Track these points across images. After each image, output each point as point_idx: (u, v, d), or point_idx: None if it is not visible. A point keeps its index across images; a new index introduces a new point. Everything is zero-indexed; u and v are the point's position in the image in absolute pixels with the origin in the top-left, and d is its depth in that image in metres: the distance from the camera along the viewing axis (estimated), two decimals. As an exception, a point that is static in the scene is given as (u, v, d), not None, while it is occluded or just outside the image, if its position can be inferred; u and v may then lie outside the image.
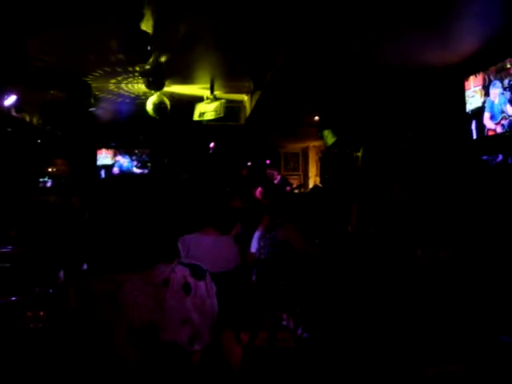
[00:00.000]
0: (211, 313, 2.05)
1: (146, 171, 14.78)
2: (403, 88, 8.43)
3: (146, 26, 5.94)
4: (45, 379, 1.87)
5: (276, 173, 11.37)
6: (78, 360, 1.77)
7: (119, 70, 7.98)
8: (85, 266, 6.09)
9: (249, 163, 15.29)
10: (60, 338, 1.85)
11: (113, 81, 8.72)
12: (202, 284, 2.09)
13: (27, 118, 10.45)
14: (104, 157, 14.71)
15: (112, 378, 1.75)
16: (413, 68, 7.46)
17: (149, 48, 6.24)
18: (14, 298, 4.42)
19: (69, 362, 1.78)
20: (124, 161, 14.80)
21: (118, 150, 14.79)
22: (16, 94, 8.75)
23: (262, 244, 6.03)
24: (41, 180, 14.49)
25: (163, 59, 7.39)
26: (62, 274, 5.00)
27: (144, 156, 14.85)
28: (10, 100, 8.75)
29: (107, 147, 14.72)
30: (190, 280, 2.05)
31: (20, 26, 5.94)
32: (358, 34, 6.09)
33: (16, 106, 9.06)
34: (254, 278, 6.20)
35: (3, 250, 7.16)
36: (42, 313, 3.99)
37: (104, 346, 1.78)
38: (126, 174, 13.81)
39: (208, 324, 2.01)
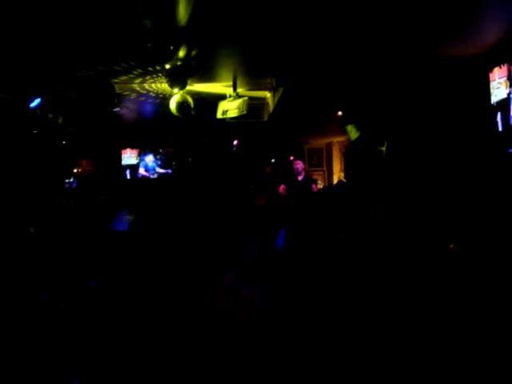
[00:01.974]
0: (256, 317, 2.07)
1: (169, 171, 14.85)
2: (427, 80, 8.35)
3: (169, 25, 5.95)
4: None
5: (301, 165, 11.29)
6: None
7: (142, 70, 8.03)
8: (115, 265, 6.17)
9: (272, 160, 15.27)
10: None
11: (136, 81, 8.77)
12: (247, 289, 2.11)
13: (52, 120, 10.55)
14: (128, 157, 14.79)
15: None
16: (437, 60, 7.38)
17: (171, 48, 6.27)
18: (44, 298, 4.49)
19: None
20: (148, 160, 14.87)
21: (143, 149, 14.85)
22: (41, 97, 8.84)
23: (287, 241, 6.03)
24: (66, 181, 14.64)
25: (186, 58, 7.40)
26: (92, 273, 5.06)
27: (168, 155, 14.90)
28: (35, 102, 8.85)
29: (131, 147, 14.79)
30: (237, 285, 2.07)
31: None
32: (383, 27, 6.05)
33: (41, 108, 9.15)
34: (279, 276, 6.20)
35: (33, 250, 7.27)
36: (76, 311, 4.04)
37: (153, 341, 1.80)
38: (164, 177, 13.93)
39: (252, 328, 2.04)
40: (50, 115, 10.06)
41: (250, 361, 3.29)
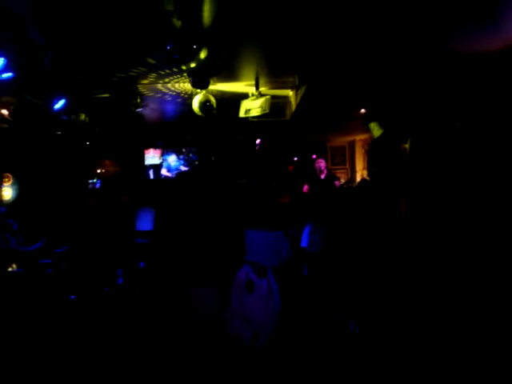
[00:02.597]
0: (274, 310, 2.07)
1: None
2: (451, 76, 8.28)
3: (194, 25, 5.98)
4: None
5: (324, 164, 11.27)
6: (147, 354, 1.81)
7: (167, 71, 8.09)
8: (142, 264, 6.24)
9: (295, 158, 15.26)
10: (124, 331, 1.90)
11: (159, 81, 8.82)
12: (264, 282, 2.12)
13: (75, 121, 10.63)
14: (152, 156, 14.86)
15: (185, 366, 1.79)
16: (462, 55, 7.32)
17: (194, 46, 6.28)
18: (72, 297, 4.52)
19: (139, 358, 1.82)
20: (171, 160, 14.92)
21: (166, 149, 14.91)
22: (65, 98, 8.92)
23: (312, 239, 6.01)
24: (90, 181, 14.74)
25: (208, 58, 7.42)
26: (120, 271, 5.09)
27: (191, 155, 14.95)
28: (59, 104, 8.93)
29: (154, 147, 14.86)
30: (253, 278, 2.08)
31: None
32: (406, 23, 6.02)
33: (65, 109, 9.23)
34: (305, 273, 6.19)
35: (59, 251, 7.34)
36: (100, 310, 4.07)
37: (171, 335, 1.82)
38: (182, 175, 13.99)
39: (271, 323, 2.04)
40: (75, 116, 10.13)
41: (266, 353, 3.31)
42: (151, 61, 7.71)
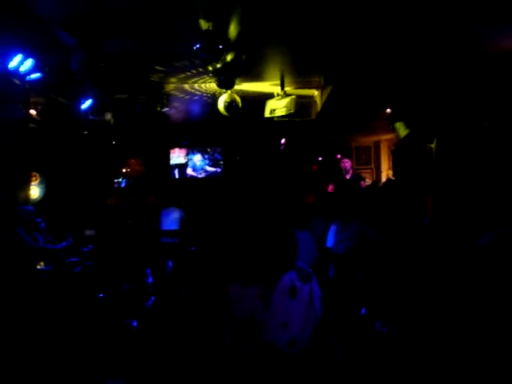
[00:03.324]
0: (314, 317, 2.07)
1: (218, 169, 14.91)
2: (478, 76, 8.20)
3: (220, 26, 6.01)
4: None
5: (349, 164, 11.23)
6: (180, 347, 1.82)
7: (193, 71, 8.13)
8: (170, 264, 6.28)
9: (320, 158, 15.22)
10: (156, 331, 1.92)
11: (187, 81, 8.87)
12: (306, 288, 2.12)
13: (102, 121, 10.72)
14: (177, 156, 14.91)
15: (216, 367, 1.80)
16: (489, 55, 7.25)
17: (220, 47, 6.31)
18: (101, 295, 4.55)
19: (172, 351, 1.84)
20: (196, 160, 14.96)
21: (191, 148, 14.96)
22: (92, 98, 9.01)
23: (338, 238, 5.99)
24: (115, 181, 14.84)
25: (234, 58, 7.45)
26: (149, 270, 5.11)
27: (216, 154, 14.97)
28: (86, 104, 9.02)
29: (180, 146, 14.91)
30: (297, 283, 2.09)
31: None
32: (435, 23, 5.98)
33: (92, 109, 9.31)
34: (331, 273, 6.17)
35: (86, 249, 7.41)
36: (131, 309, 4.10)
37: (209, 335, 1.84)
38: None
39: (309, 329, 2.04)
40: (101, 116, 10.22)
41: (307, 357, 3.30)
42: (175, 63, 7.75)
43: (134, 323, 4.17)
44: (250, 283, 3.90)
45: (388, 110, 11.15)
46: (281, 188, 13.03)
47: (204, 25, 5.94)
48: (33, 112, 8.82)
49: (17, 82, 7.05)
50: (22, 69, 6.73)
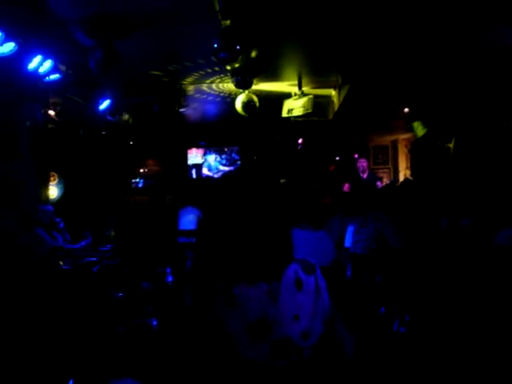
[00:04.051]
0: (322, 308, 2.07)
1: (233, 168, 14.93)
2: (497, 75, 8.13)
3: (237, 26, 6.01)
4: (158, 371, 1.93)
5: (366, 163, 11.18)
6: (193, 354, 1.82)
7: (209, 70, 8.14)
8: (188, 263, 6.29)
9: (337, 158, 15.17)
10: (175, 331, 1.92)
11: (203, 81, 8.88)
12: (312, 279, 2.12)
13: (120, 121, 10.77)
14: (194, 156, 14.94)
15: (229, 372, 1.80)
16: (509, 53, 7.19)
17: (238, 47, 6.30)
18: (120, 295, 4.57)
19: (184, 356, 1.84)
20: (213, 159, 14.99)
21: (208, 148, 14.98)
22: (110, 99, 9.06)
23: (356, 239, 5.98)
24: (133, 181, 14.91)
25: (252, 58, 7.45)
26: (169, 270, 5.12)
27: (233, 154, 14.98)
28: (104, 104, 9.08)
29: (197, 146, 14.94)
30: (301, 275, 2.08)
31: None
32: (454, 21, 5.94)
33: (110, 110, 9.36)
34: (348, 273, 6.15)
35: (104, 249, 7.45)
36: (150, 308, 4.10)
37: (220, 340, 1.83)
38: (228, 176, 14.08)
39: (319, 320, 2.03)
40: (119, 116, 10.27)
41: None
42: (192, 63, 7.77)
43: (154, 322, 4.19)
44: (254, 281, 3.90)
45: (406, 110, 11.10)
46: (296, 188, 13.02)
47: (223, 22, 5.94)
48: (51, 112, 8.87)
49: (36, 83, 7.11)
50: (41, 70, 6.79)
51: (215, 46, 6.26)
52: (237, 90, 8.84)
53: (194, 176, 14.94)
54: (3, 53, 5.93)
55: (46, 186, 9.82)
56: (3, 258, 2.80)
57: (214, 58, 6.73)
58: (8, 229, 2.99)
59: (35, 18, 5.68)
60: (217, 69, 8.13)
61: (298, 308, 2.06)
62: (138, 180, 15.01)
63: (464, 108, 9.77)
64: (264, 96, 9.69)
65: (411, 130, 11.56)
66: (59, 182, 11.05)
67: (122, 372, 3.78)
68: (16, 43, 5.98)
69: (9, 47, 5.95)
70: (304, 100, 9.11)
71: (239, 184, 14.26)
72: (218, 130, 13.58)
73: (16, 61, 6.27)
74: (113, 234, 8.98)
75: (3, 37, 5.73)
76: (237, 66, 7.74)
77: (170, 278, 5.41)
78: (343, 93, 9.26)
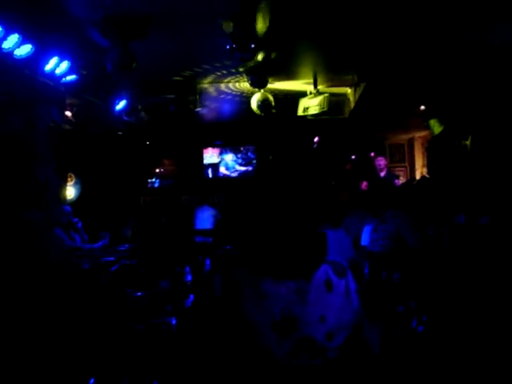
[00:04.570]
0: (351, 311, 2.06)
1: (250, 168, 14.94)
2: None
3: (251, 24, 6.01)
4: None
5: (384, 162, 11.14)
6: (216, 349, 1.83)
7: (224, 72, 8.16)
8: (207, 262, 6.31)
9: (353, 156, 15.14)
10: (195, 329, 1.92)
11: (219, 80, 8.90)
12: (343, 282, 2.12)
13: (136, 121, 10.81)
14: (210, 156, 14.99)
15: (254, 367, 1.80)
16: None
17: (253, 46, 6.30)
18: (139, 294, 4.58)
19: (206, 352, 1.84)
20: (228, 159, 15.01)
21: (224, 148, 15.01)
22: (126, 99, 9.10)
23: (374, 237, 5.96)
24: (149, 181, 14.98)
25: (267, 57, 7.44)
26: (188, 268, 5.14)
27: (249, 153, 15.00)
28: (120, 105, 9.12)
29: (213, 146, 14.98)
30: (332, 277, 2.08)
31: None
32: (470, 19, 5.91)
33: (126, 110, 9.40)
34: (366, 271, 6.13)
35: (122, 248, 7.49)
36: (169, 307, 4.11)
37: (246, 335, 1.84)
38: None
39: (346, 323, 2.03)
40: (135, 117, 10.31)
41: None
42: (208, 64, 7.79)
43: (173, 321, 4.20)
44: (282, 278, 3.90)
45: (422, 107, 11.04)
46: (313, 186, 13.01)
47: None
48: (68, 113, 8.93)
49: (53, 84, 7.16)
50: (58, 71, 6.84)
51: (231, 45, 6.27)
52: (252, 89, 8.83)
53: (210, 175, 14.97)
54: (20, 55, 5.97)
55: (63, 186, 9.89)
56: (29, 256, 2.83)
57: (229, 59, 6.76)
58: (36, 226, 3.02)
59: (51, 20, 5.71)
60: (233, 70, 8.15)
61: (325, 309, 2.06)
62: (154, 180, 15.09)
63: (480, 105, 9.71)
64: (279, 95, 9.68)
65: (427, 127, 11.50)
66: (76, 183, 11.15)
67: (141, 370, 3.80)
68: (33, 45, 6.02)
69: (26, 49, 6.00)
70: (320, 98, 9.08)
71: (264, 184, 14.27)
72: (234, 129, 13.61)
73: (33, 63, 6.31)
74: (131, 233, 9.04)
75: (20, 39, 5.77)
76: (252, 65, 7.74)
77: (189, 277, 5.43)
78: (359, 91, 9.24)
